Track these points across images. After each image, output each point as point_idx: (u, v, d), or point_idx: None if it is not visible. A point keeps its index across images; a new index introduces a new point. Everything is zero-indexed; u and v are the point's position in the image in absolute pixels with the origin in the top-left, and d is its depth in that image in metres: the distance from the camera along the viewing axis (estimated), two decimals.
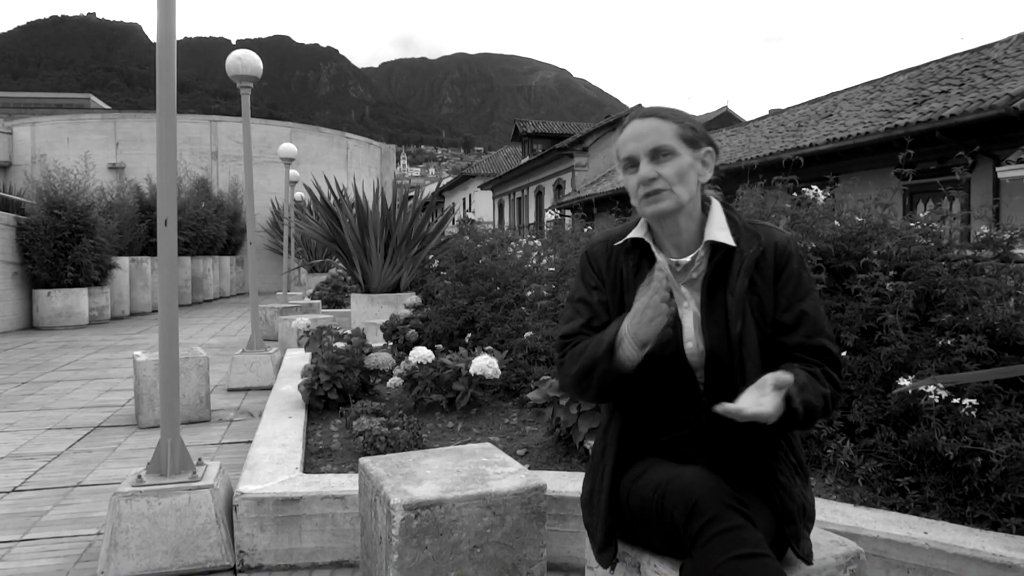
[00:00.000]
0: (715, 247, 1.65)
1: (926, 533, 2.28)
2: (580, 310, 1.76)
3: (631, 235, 1.74)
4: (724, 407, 1.41)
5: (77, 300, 12.14)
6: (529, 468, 2.95)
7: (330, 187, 9.44)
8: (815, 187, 3.92)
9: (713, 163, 1.70)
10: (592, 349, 1.62)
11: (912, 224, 3.45)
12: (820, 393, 1.54)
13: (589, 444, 3.14)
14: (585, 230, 7.19)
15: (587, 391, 1.67)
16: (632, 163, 1.65)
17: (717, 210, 1.70)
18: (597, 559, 1.68)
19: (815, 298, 1.66)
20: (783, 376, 1.43)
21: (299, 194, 16.83)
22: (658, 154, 1.61)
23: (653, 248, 1.71)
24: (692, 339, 1.65)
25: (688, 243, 1.69)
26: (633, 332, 1.53)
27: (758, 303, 1.62)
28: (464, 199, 45.72)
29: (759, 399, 1.41)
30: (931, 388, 2.62)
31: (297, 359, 5.90)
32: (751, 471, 1.62)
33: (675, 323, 1.64)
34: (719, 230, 1.66)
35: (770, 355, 1.62)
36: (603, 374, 1.59)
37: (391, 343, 5.67)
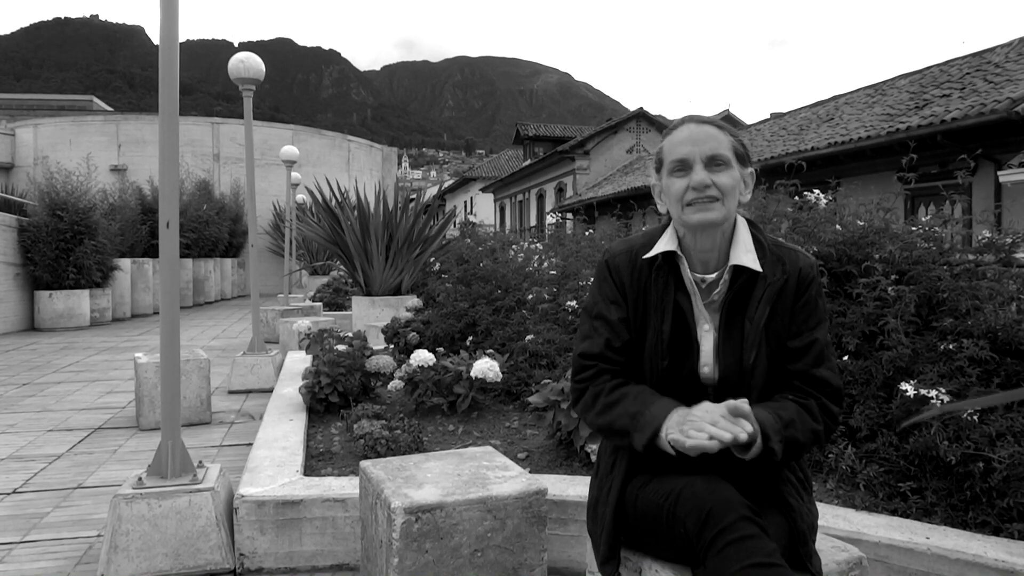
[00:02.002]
0: (738, 270, 1.62)
1: (928, 538, 2.27)
2: (598, 328, 1.69)
3: (660, 248, 1.67)
4: (673, 438, 1.45)
5: (78, 301, 12.16)
6: (530, 472, 2.94)
7: (332, 189, 9.45)
8: (817, 191, 3.91)
9: (752, 184, 1.67)
10: (624, 419, 1.58)
11: (914, 228, 3.44)
12: (809, 429, 1.54)
13: (590, 448, 3.13)
14: (587, 233, 7.19)
15: (609, 438, 1.68)
16: (683, 166, 1.60)
17: (744, 229, 1.66)
18: (600, 571, 1.67)
19: (825, 327, 1.64)
20: (739, 406, 1.44)
21: (301, 196, 16.85)
22: (714, 162, 1.57)
23: (693, 292, 1.65)
24: (709, 364, 1.62)
25: (716, 261, 1.65)
26: (673, 441, 1.47)
27: (775, 331, 1.59)
28: (465, 202, 45.75)
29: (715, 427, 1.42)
30: (933, 392, 2.61)
31: (298, 361, 5.90)
32: (760, 483, 1.61)
33: (693, 346, 1.62)
34: (745, 252, 1.62)
35: (774, 380, 1.61)
36: (629, 446, 1.58)
37: (392, 346, 5.67)
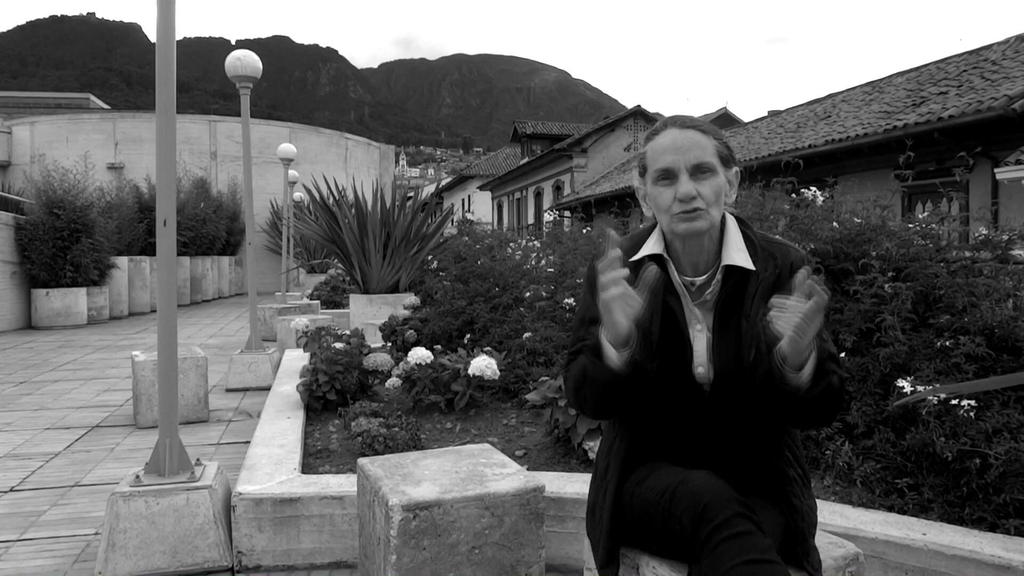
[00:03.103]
0: (730, 269, 1.60)
1: (924, 534, 2.28)
2: (592, 332, 1.66)
3: (647, 251, 1.66)
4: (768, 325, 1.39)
5: (76, 300, 12.13)
6: (528, 469, 2.95)
7: (329, 187, 9.44)
8: (814, 188, 3.92)
9: (737, 184, 1.65)
10: (581, 360, 1.60)
11: (911, 225, 3.45)
12: (839, 378, 1.51)
13: (588, 445, 3.14)
14: (584, 231, 7.19)
15: (584, 404, 1.64)
16: (668, 175, 1.57)
17: (733, 228, 1.65)
18: (600, 574, 1.66)
19: (824, 318, 1.63)
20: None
21: (298, 194, 16.83)
22: (699, 170, 1.55)
23: (682, 293, 1.63)
24: (703, 364, 1.61)
25: (705, 262, 1.63)
26: (608, 335, 1.48)
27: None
28: (463, 200, 45.73)
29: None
30: (931, 396, 2.62)
31: (296, 359, 5.89)
32: (758, 478, 1.61)
33: (686, 347, 1.62)
34: (737, 252, 1.60)
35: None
36: (591, 382, 1.56)
37: (390, 344, 5.67)
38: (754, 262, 1.60)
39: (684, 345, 1.62)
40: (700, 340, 1.62)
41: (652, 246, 1.66)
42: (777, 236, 1.74)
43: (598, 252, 1.74)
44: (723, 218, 1.65)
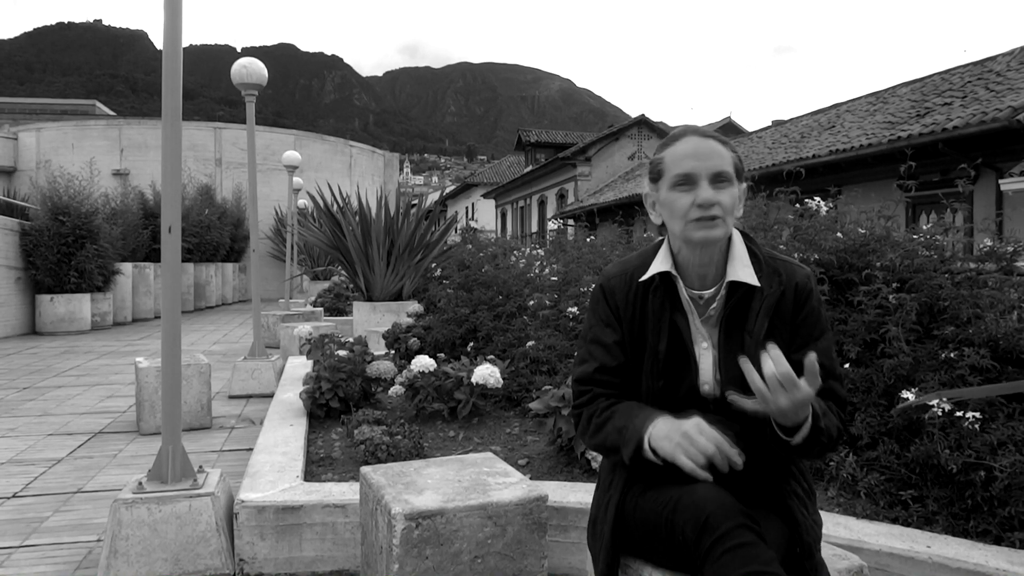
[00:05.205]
0: (734, 285, 1.61)
1: (929, 547, 2.27)
2: (594, 352, 1.70)
3: (655, 269, 1.66)
4: (659, 445, 1.48)
5: (80, 305, 12.17)
6: (530, 478, 2.94)
7: (333, 195, 9.46)
8: (817, 198, 3.92)
9: (744, 199, 1.66)
10: (614, 435, 1.60)
11: (915, 236, 3.45)
12: (835, 425, 1.56)
13: (591, 455, 3.13)
14: (588, 239, 7.20)
15: (604, 456, 1.74)
16: (688, 181, 1.57)
17: (739, 243, 1.65)
18: None
19: (829, 337, 1.64)
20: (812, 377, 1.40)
21: (302, 201, 16.88)
22: (718, 179, 1.56)
23: (690, 311, 1.65)
24: (709, 383, 1.62)
25: (713, 275, 1.64)
26: (659, 448, 1.50)
27: (775, 344, 1.60)
28: (467, 208, 45.80)
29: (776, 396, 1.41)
30: (934, 401, 2.61)
31: (299, 367, 5.90)
32: (762, 490, 1.60)
33: (691, 365, 1.62)
34: (743, 267, 1.61)
35: None
36: (620, 459, 1.61)
37: (393, 351, 5.67)
38: (759, 278, 1.61)
39: (690, 363, 1.62)
40: (706, 358, 1.63)
41: (660, 264, 1.66)
42: (783, 254, 1.75)
43: (602, 277, 1.77)
44: (731, 233, 1.66)
